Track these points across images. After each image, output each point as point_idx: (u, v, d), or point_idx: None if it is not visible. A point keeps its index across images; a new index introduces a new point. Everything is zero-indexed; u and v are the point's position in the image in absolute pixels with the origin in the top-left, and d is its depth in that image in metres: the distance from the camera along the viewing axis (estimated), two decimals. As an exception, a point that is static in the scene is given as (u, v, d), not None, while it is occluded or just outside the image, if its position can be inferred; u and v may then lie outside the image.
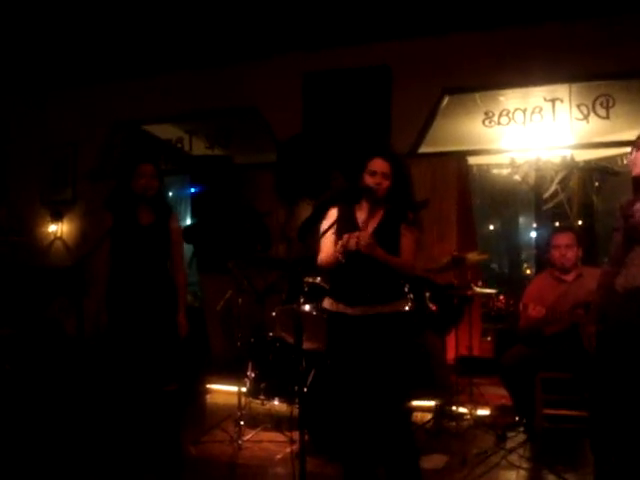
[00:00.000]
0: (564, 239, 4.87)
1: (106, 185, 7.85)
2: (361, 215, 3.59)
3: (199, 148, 8.30)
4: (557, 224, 9.00)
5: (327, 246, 3.59)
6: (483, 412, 5.46)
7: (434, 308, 5.11)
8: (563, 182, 8.41)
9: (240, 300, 5.15)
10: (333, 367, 3.66)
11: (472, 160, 7.47)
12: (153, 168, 4.21)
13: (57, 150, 8.50)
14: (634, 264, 3.35)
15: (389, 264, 3.44)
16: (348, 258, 3.41)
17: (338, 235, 3.51)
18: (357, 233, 3.37)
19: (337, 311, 3.58)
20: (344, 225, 3.56)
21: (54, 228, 8.57)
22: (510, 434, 4.89)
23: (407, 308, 3.63)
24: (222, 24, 6.87)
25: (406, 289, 3.71)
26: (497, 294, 4.91)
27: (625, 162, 3.63)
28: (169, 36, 7.12)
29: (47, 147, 8.54)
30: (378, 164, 3.53)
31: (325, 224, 3.64)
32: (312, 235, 4.40)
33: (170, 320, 4.19)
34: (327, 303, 3.66)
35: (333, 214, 3.65)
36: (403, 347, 3.57)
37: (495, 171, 8.84)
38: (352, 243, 3.32)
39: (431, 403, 5.23)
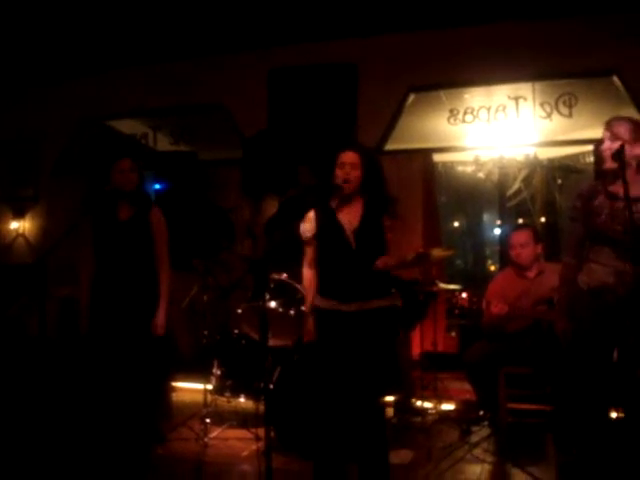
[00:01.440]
0: (519, 238, 4.90)
1: (69, 181, 7.78)
2: (342, 215, 3.59)
3: (164, 144, 8.23)
4: (520, 221, 9.13)
5: (310, 249, 3.64)
6: (448, 407, 5.52)
7: (399, 304, 5.13)
8: (526, 180, 8.55)
9: (205, 297, 5.12)
10: (320, 361, 3.65)
11: (437, 157, 7.53)
12: (131, 162, 4.18)
13: (20, 146, 8.39)
14: (597, 262, 3.37)
15: (398, 267, 3.54)
16: (338, 255, 3.51)
17: (321, 239, 3.57)
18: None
19: (330, 308, 3.58)
20: (327, 228, 3.58)
21: (16, 225, 8.45)
22: (475, 428, 4.95)
23: (393, 303, 3.64)
24: (188, 19, 6.83)
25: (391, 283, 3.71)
26: (461, 290, 4.95)
27: (589, 159, 3.61)
28: (134, 31, 7.05)
29: (9, 143, 8.41)
30: (346, 156, 3.55)
31: (306, 228, 3.64)
32: (278, 231, 4.40)
33: (147, 319, 4.14)
34: (318, 301, 3.65)
35: (311, 217, 3.64)
36: (388, 343, 3.60)
37: (460, 168, 8.93)
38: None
39: (393, 398, 5.24)
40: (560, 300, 3.63)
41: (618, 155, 3.22)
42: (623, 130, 3.35)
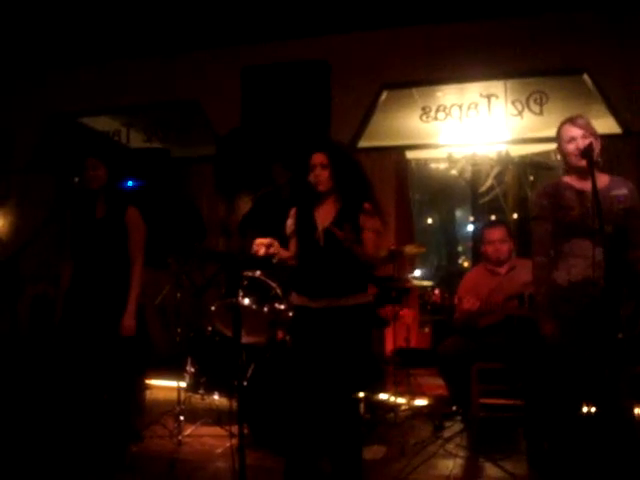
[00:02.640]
0: (497, 234, 4.96)
1: (41, 179, 7.72)
2: (318, 214, 3.62)
3: (137, 141, 8.19)
4: (493, 217, 9.20)
5: (292, 244, 3.68)
6: (421, 402, 5.56)
7: (372, 301, 5.16)
8: (499, 177, 8.62)
9: (178, 295, 5.11)
10: (293, 357, 3.67)
11: (410, 154, 7.57)
12: (95, 160, 4.15)
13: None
14: (576, 255, 3.40)
15: (361, 258, 3.49)
16: (308, 253, 3.53)
17: (297, 236, 3.62)
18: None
19: (301, 304, 3.63)
20: (302, 226, 3.62)
21: (-14, 223, 8.34)
22: (447, 423, 5.00)
23: (365, 301, 3.65)
24: (162, 17, 6.80)
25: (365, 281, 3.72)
26: (432, 287, 4.99)
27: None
28: (108, 28, 7.01)
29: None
30: (315, 157, 3.58)
31: (287, 224, 3.70)
32: (252, 229, 4.41)
33: (117, 318, 4.10)
34: (292, 297, 3.71)
35: (292, 214, 3.71)
36: (360, 340, 3.61)
37: (433, 165, 8.99)
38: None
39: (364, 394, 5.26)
40: (540, 301, 3.56)
41: (587, 152, 3.27)
42: (591, 126, 3.42)
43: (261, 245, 3.51)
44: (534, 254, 3.62)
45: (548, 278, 3.50)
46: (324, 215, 3.58)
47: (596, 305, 3.25)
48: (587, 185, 3.33)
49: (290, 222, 3.69)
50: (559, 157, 3.57)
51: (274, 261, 3.62)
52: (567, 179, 3.49)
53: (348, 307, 3.52)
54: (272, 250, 3.53)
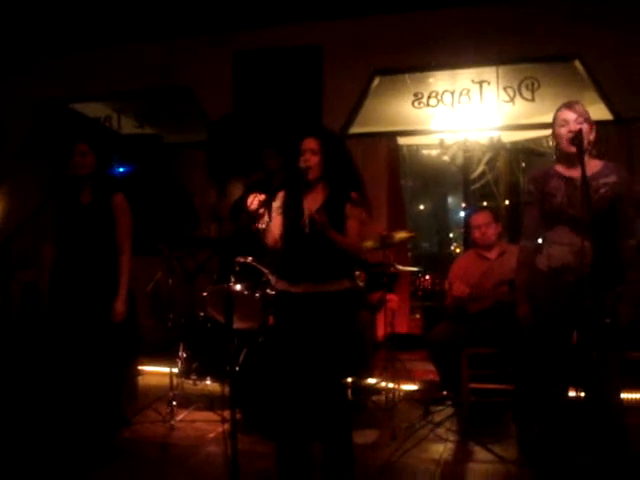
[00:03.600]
0: (482, 219, 5.01)
1: (33, 164, 7.70)
2: (306, 200, 3.61)
3: (128, 127, 8.16)
4: (485, 204, 9.24)
5: (275, 227, 3.63)
6: (412, 387, 5.60)
7: (362, 285, 5.19)
8: (490, 163, 8.65)
9: (170, 281, 5.11)
10: (276, 343, 3.70)
11: (402, 140, 7.59)
12: (84, 146, 4.14)
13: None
14: (557, 242, 3.41)
15: (338, 245, 3.50)
16: (292, 239, 3.53)
17: (284, 218, 3.60)
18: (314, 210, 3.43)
19: (281, 289, 3.64)
20: (289, 211, 3.61)
21: (-22, 208, 8.31)
22: (438, 408, 5.03)
23: (348, 287, 3.67)
24: (153, 1, 6.76)
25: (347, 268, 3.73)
26: (422, 272, 5.01)
27: (552, 142, 3.60)
28: (100, 13, 6.97)
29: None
30: (306, 142, 3.58)
31: (273, 206, 3.66)
32: (244, 214, 4.40)
33: (106, 304, 4.10)
34: (274, 281, 3.74)
35: (280, 197, 3.68)
36: (343, 325, 3.63)
37: (425, 151, 9.02)
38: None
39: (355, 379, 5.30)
40: (519, 284, 3.62)
41: (577, 139, 3.27)
42: (587, 113, 3.41)
43: (256, 199, 3.51)
44: (521, 238, 3.67)
45: (531, 262, 3.53)
46: (311, 202, 3.59)
47: (572, 292, 3.29)
48: (574, 172, 3.34)
49: (275, 205, 3.66)
50: (552, 143, 3.53)
51: (260, 226, 3.59)
52: (556, 166, 3.49)
53: (327, 293, 3.52)
54: (261, 211, 3.54)
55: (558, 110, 3.45)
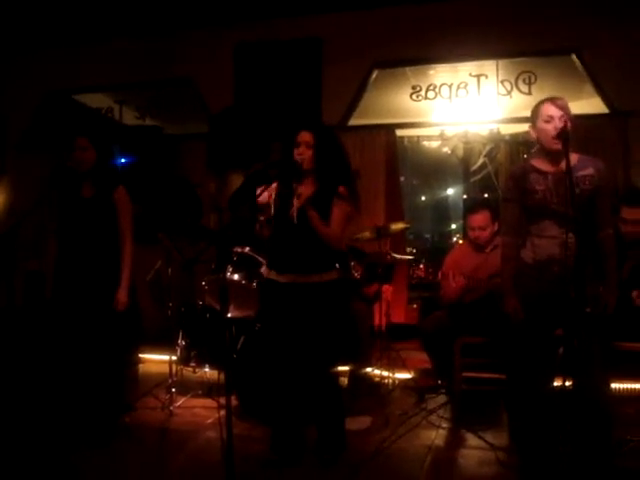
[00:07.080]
0: (478, 221, 4.97)
1: (36, 155, 7.76)
2: (298, 192, 3.69)
3: (129, 118, 8.22)
4: (485, 195, 9.26)
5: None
6: (406, 375, 5.67)
7: (358, 276, 5.27)
8: (490, 154, 8.66)
9: (170, 270, 5.20)
10: (264, 332, 3.79)
11: (403, 132, 7.63)
12: (85, 141, 4.19)
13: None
14: (542, 236, 3.46)
15: (317, 229, 3.58)
16: (280, 229, 3.62)
17: (274, 207, 3.68)
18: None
19: (270, 278, 3.74)
20: (280, 202, 3.70)
21: (-19, 199, 8.39)
22: (431, 396, 5.11)
23: (335, 278, 3.75)
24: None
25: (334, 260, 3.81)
26: (416, 261, 5.07)
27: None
28: (102, 3, 7.00)
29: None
30: (301, 136, 3.67)
31: (266, 195, 3.75)
32: (243, 205, 4.48)
33: (108, 295, 4.18)
34: (264, 270, 3.83)
35: (273, 188, 3.77)
36: (329, 315, 3.72)
37: (425, 143, 9.02)
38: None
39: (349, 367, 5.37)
40: (505, 279, 3.64)
41: (564, 136, 3.31)
42: (569, 109, 3.46)
43: (266, 192, 3.64)
44: (502, 234, 3.73)
45: (515, 257, 3.57)
46: (303, 194, 3.68)
47: (558, 283, 3.35)
48: (552, 168, 3.41)
49: (267, 195, 3.73)
50: (533, 136, 3.54)
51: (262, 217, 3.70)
52: (533, 161, 3.53)
53: (313, 284, 3.63)
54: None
55: (540, 103, 3.48)
